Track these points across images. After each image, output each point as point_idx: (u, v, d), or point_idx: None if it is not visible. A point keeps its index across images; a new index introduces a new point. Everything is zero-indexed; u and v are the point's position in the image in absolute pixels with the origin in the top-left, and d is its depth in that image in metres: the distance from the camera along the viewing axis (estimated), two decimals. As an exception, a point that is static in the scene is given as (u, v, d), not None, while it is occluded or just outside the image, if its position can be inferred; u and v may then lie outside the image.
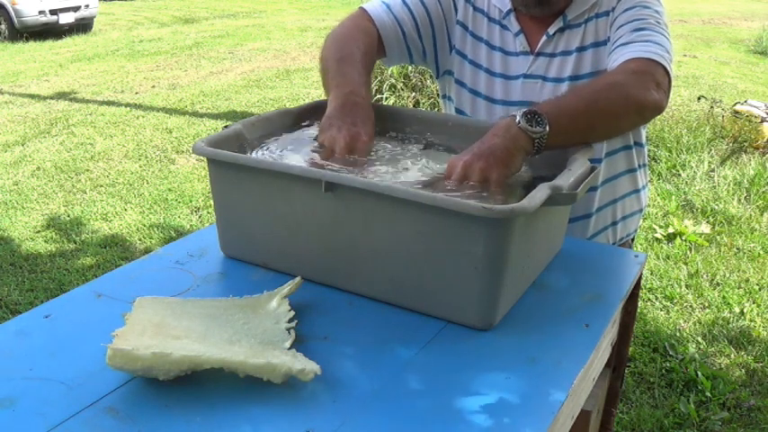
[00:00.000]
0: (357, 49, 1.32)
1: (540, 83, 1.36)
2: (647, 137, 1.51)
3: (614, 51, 1.25)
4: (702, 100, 5.32)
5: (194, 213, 4.01)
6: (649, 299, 3.10)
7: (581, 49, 1.33)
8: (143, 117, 5.85)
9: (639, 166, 1.48)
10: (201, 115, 5.92)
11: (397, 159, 1.17)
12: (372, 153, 1.18)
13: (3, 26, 10.99)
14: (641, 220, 1.59)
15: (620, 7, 1.30)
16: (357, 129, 1.16)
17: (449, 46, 1.44)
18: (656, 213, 3.98)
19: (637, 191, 1.50)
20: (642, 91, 1.14)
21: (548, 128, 1.05)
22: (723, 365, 2.66)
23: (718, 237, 3.72)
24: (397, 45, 1.41)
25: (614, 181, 1.44)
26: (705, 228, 3.78)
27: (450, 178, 1.04)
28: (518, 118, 1.05)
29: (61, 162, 4.79)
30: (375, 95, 5.37)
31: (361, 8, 1.43)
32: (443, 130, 1.28)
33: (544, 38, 1.35)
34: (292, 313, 0.94)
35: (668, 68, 1.20)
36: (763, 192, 4.21)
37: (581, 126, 1.12)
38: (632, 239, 1.58)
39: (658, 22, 1.25)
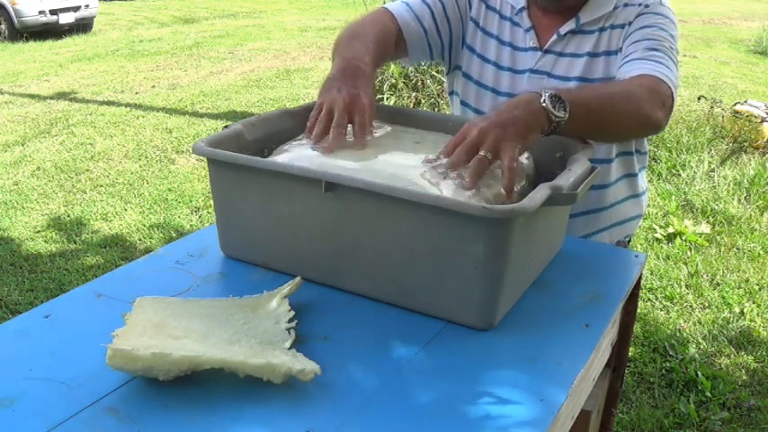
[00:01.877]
0: (371, 32, 1.33)
1: (545, 79, 1.38)
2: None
3: (627, 63, 1.26)
4: (702, 100, 5.32)
5: (194, 213, 4.01)
6: (649, 299, 3.10)
7: (593, 54, 1.35)
8: (143, 117, 5.85)
9: (640, 170, 1.50)
10: (201, 115, 5.92)
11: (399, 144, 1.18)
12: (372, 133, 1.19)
13: (3, 26, 10.98)
14: (641, 222, 1.61)
15: (638, 23, 1.31)
16: (357, 91, 1.16)
17: (461, 42, 1.48)
18: (656, 213, 3.98)
19: (637, 195, 1.51)
20: (652, 107, 1.16)
21: (567, 115, 1.05)
22: (723, 365, 2.66)
23: (718, 237, 3.72)
24: (419, 42, 1.43)
25: (622, 181, 1.46)
26: (705, 228, 3.78)
27: (460, 142, 1.01)
28: (544, 97, 1.04)
29: (61, 162, 4.79)
30: (375, 95, 5.36)
31: (382, 7, 1.46)
32: (443, 130, 1.28)
33: (554, 36, 1.37)
34: (292, 313, 0.94)
35: (674, 93, 1.21)
36: (763, 192, 4.21)
37: (592, 122, 1.12)
38: (628, 241, 1.59)
39: (671, 48, 1.27)
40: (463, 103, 1.49)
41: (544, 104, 1.03)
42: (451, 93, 1.55)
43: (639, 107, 1.15)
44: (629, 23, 1.32)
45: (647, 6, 1.32)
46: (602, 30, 1.35)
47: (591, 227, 1.46)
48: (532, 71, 1.39)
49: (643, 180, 1.52)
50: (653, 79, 1.19)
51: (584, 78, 1.35)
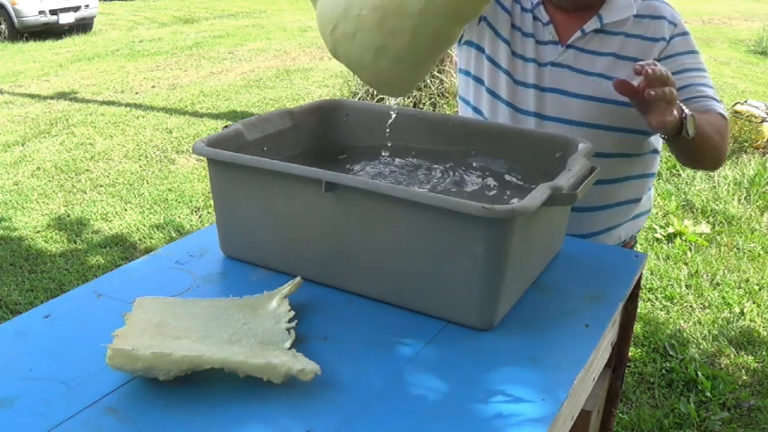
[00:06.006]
0: None
1: (566, 71, 1.42)
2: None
3: (701, 99, 1.37)
4: (702, 100, 5.31)
5: (194, 213, 4.01)
6: (649, 299, 3.10)
7: (619, 57, 1.40)
8: (143, 117, 5.85)
9: (652, 172, 1.56)
10: (201, 115, 5.92)
11: None
12: None
13: (3, 26, 10.97)
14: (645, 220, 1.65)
15: (679, 46, 1.41)
16: None
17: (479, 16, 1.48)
18: (656, 213, 3.98)
19: (649, 189, 1.57)
20: (725, 151, 1.41)
21: (694, 133, 1.25)
22: (723, 365, 2.66)
23: (718, 237, 3.72)
24: None
25: (642, 178, 1.51)
26: (705, 228, 3.78)
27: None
28: (686, 113, 1.23)
29: (61, 162, 4.79)
30: (376, 95, 5.37)
31: None
32: (444, 130, 1.28)
33: (578, 33, 1.42)
34: (292, 313, 0.94)
35: None
36: (763, 192, 4.21)
37: (696, 148, 1.31)
38: (635, 241, 1.62)
39: (708, 77, 1.43)
40: (489, 91, 1.49)
41: (684, 116, 1.22)
42: (461, 71, 1.55)
43: (721, 155, 1.41)
44: (665, 40, 1.40)
45: (675, 26, 1.41)
46: (627, 35, 1.41)
47: (612, 220, 1.50)
48: (553, 64, 1.43)
49: (653, 179, 1.58)
50: (725, 123, 1.38)
51: (604, 75, 1.39)
